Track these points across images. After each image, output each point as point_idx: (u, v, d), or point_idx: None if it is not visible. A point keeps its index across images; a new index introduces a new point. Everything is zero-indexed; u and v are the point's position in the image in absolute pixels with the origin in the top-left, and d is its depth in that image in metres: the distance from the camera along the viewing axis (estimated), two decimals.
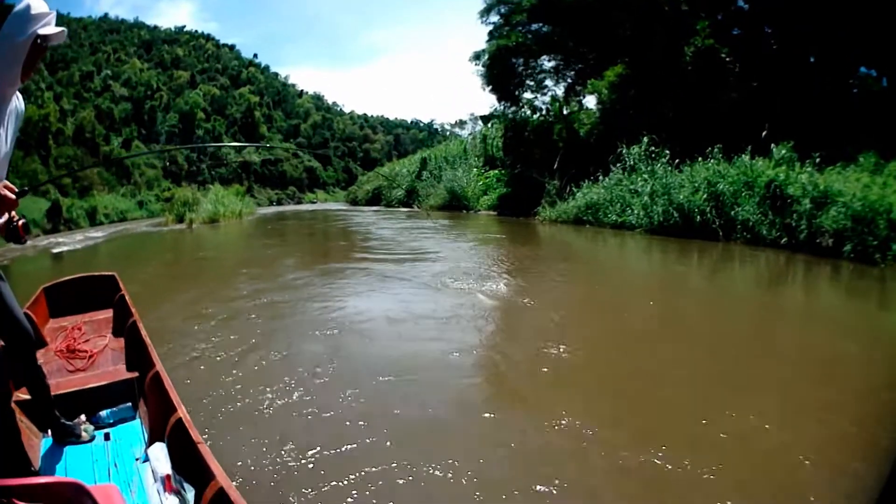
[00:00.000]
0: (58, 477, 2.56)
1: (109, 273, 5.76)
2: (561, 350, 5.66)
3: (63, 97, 56.52)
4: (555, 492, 3.18)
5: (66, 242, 23.23)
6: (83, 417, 3.24)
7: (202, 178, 64.57)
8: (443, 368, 5.34)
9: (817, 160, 14.96)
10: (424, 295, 8.61)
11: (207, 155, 70.35)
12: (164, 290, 10.05)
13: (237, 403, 4.45)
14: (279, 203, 72.07)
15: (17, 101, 2.55)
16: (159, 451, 2.77)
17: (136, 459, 3.02)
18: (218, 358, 5.63)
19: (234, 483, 2.19)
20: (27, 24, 2.30)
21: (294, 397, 4.54)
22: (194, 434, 2.65)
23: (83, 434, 3.09)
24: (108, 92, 67.60)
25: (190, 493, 2.52)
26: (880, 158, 14.21)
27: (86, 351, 4.23)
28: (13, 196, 2.42)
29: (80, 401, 3.43)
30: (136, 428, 3.36)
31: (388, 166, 61.12)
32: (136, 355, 4.00)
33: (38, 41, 2.36)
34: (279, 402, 4.44)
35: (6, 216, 2.55)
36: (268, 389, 4.68)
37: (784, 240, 14.11)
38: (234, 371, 5.23)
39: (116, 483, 2.88)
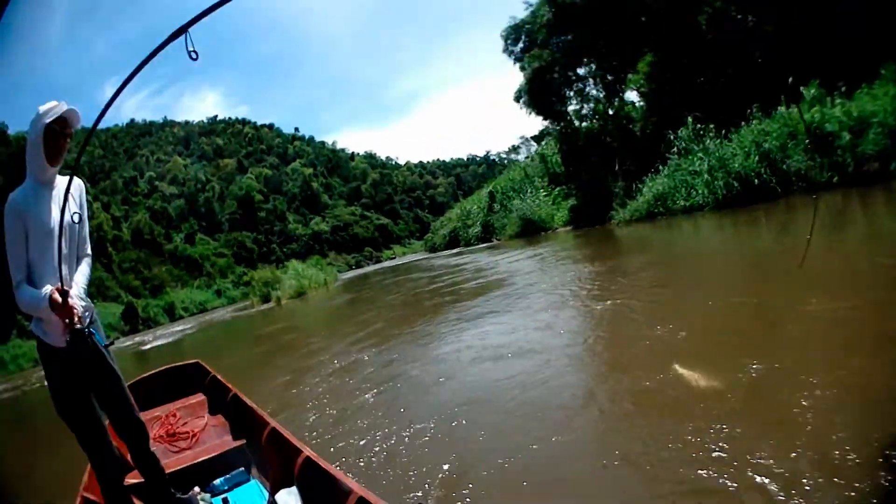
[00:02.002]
0: None
1: (193, 361, 5.97)
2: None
3: (111, 205, 58.27)
4: None
5: (148, 340, 23.27)
6: (197, 489, 3.42)
7: (274, 257, 65.39)
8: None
9: (843, 89, 15.63)
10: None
11: (275, 234, 71.21)
12: (263, 368, 10.21)
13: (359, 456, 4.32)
14: (358, 266, 72.79)
15: (72, 181, 2.74)
16: (287, 495, 2.90)
17: None
18: (330, 419, 5.58)
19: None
20: (38, 123, 2.72)
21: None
22: (325, 464, 2.80)
23: (200, 503, 3.27)
24: (157, 192, 70.16)
25: None
26: None
27: (187, 432, 4.37)
28: (59, 298, 2.61)
29: (192, 476, 3.57)
30: (254, 488, 3.48)
31: (457, 207, 61.25)
32: (241, 424, 4.20)
33: (53, 127, 2.75)
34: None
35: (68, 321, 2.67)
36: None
37: (836, 179, 14.64)
38: (345, 425, 5.22)
39: None
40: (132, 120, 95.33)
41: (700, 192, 19.24)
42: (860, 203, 11.90)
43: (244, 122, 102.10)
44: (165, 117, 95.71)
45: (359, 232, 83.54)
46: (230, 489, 3.48)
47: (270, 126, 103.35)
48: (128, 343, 25.92)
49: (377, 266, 61.91)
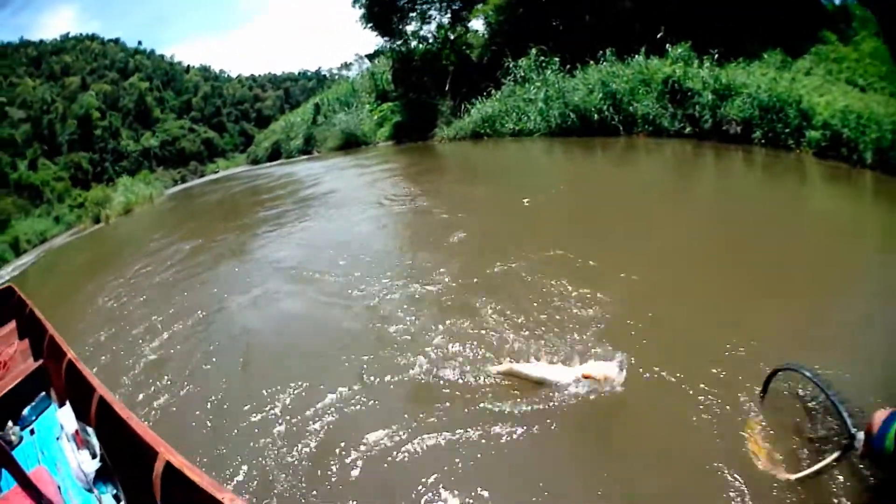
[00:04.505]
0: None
1: (6, 286, 5.92)
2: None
3: None
4: None
5: None
6: (10, 423, 3.60)
7: (107, 176, 58.94)
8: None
9: (716, 56, 14.20)
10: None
11: (109, 152, 65.75)
12: (81, 283, 10.42)
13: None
14: (183, 180, 68.04)
15: None
16: (65, 412, 3.37)
17: (57, 439, 3.43)
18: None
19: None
20: None
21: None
22: (118, 407, 2.91)
23: (13, 438, 3.45)
24: (7, 119, 61.32)
25: (93, 437, 3.09)
26: (787, 56, 13.61)
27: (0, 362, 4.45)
28: None
29: (4, 407, 3.69)
30: (53, 412, 3.71)
31: (282, 119, 57.33)
32: (41, 345, 4.25)
33: None
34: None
35: None
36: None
37: (688, 129, 13.45)
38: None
39: (45, 464, 3.19)
40: None
41: (532, 118, 17.91)
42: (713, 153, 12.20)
43: (93, 37, 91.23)
44: (22, 37, 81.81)
45: (186, 146, 78.25)
46: (37, 418, 3.71)
47: (116, 41, 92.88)
48: None
49: (201, 180, 59.38)
